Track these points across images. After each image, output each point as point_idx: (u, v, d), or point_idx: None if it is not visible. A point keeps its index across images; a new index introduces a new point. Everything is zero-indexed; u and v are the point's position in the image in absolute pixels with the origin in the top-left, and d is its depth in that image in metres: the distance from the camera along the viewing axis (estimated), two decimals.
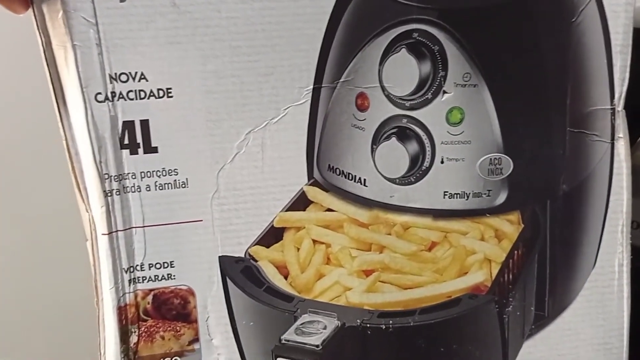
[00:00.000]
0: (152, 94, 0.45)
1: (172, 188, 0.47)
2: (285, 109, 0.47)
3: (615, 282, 0.51)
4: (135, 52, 0.44)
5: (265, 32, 0.45)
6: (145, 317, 0.49)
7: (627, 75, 0.48)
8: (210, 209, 0.47)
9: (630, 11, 0.47)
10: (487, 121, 0.46)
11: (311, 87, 0.47)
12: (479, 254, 0.49)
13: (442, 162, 0.47)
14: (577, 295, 0.51)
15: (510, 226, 0.50)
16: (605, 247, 0.51)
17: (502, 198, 0.48)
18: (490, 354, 0.50)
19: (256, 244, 0.49)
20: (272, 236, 0.49)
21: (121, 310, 0.48)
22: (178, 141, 0.46)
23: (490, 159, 0.47)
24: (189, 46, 0.45)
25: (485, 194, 0.48)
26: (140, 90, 0.45)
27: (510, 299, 0.49)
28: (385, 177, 0.48)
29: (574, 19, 0.46)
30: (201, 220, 0.47)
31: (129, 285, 0.48)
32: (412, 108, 0.47)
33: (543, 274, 0.50)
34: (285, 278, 0.49)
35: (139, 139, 0.46)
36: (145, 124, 0.46)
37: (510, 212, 0.49)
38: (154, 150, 0.46)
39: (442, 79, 0.46)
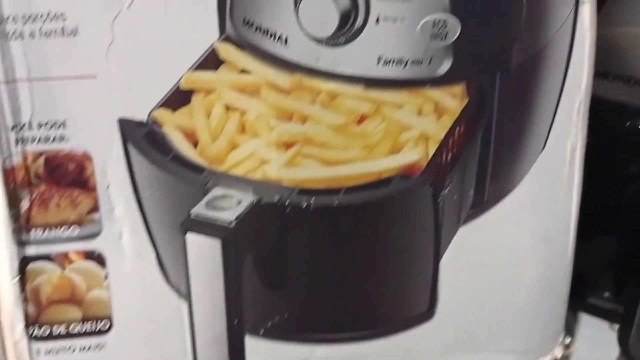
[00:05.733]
0: None
1: (60, 36, 0.41)
2: None
3: (566, 167, 0.46)
4: None
5: None
6: (37, 182, 0.44)
7: None
8: (106, 63, 0.41)
9: None
10: None
11: None
12: (414, 129, 0.44)
13: (377, 22, 0.41)
14: (522, 181, 0.46)
15: (452, 100, 0.44)
16: (558, 127, 0.45)
17: (445, 67, 0.42)
18: (421, 239, 0.46)
19: (161, 107, 0.43)
20: (179, 99, 0.44)
21: (8, 173, 0.43)
22: None
23: (434, 20, 0.41)
24: None
25: (426, 61, 0.42)
26: None
27: (448, 181, 0.45)
28: (310, 37, 0.41)
29: None
30: (95, 76, 0.42)
31: (16, 145, 0.43)
32: None
33: (486, 154, 0.45)
34: (195, 147, 0.44)
35: None
36: None
37: (454, 83, 0.44)
38: None
39: None
